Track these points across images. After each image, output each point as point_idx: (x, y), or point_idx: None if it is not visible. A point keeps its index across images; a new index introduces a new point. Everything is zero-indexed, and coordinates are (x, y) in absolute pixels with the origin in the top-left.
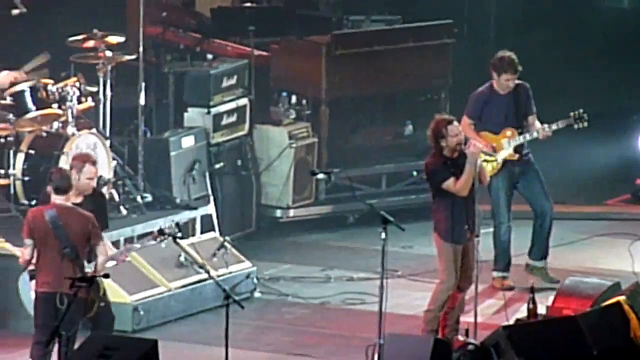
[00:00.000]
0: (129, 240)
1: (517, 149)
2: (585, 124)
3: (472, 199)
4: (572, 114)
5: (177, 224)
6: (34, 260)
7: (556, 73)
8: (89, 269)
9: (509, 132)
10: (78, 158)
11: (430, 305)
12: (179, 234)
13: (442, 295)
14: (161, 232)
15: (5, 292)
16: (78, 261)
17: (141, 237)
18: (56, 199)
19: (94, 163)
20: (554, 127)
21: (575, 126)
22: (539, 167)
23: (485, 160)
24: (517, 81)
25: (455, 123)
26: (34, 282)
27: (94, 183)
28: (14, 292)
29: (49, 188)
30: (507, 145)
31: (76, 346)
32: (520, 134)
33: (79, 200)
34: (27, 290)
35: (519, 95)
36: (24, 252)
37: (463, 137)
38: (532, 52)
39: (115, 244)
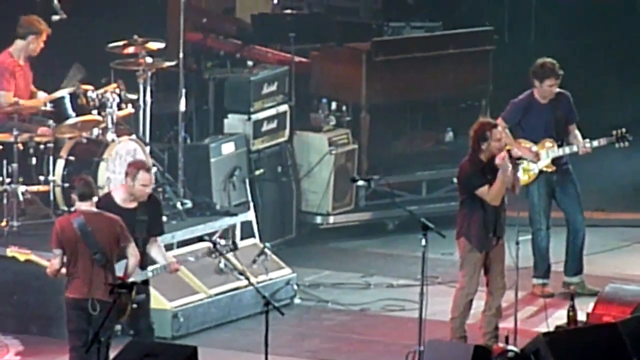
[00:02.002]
0: (168, 246)
1: (555, 160)
2: (627, 143)
3: (503, 207)
4: (614, 132)
5: (233, 242)
6: (63, 270)
7: (597, 80)
8: (119, 272)
9: (548, 143)
10: (133, 165)
11: (453, 313)
12: (233, 250)
13: (462, 301)
14: (214, 245)
15: (45, 299)
16: (109, 266)
17: (182, 243)
18: (81, 205)
19: (148, 170)
20: (595, 144)
21: (617, 145)
22: (577, 178)
23: (523, 169)
24: (558, 89)
25: (500, 128)
26: None
27: (149, 189)
28: (54, 299)
29: (73, 196)
30: (545, 155)
31: (113, 352)
32: (559, 145)
33: (133, 205)
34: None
35: (559, 105)
36: (52, 262)
37: (504, 143)
38: (573, 58)
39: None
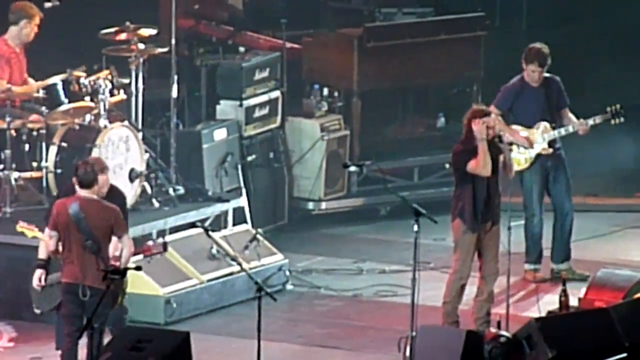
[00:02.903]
0: (160, 233)
1: (551, 143)
2: (622, 119)
3: (495, 188)
4: (609, 109)
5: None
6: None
7: (589, 65)
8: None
9: (543, 126)
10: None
11: (445, 297)
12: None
13: (455, 285)
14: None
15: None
16: (100, 254)
17: (174, 230)
18: (81, 192)
19: (103, 171)
20: (591, 122)
21: (612, 121)
22: (569, 163)
23: (519, 153)
24: (547, 74)
25: (493, 115)
26: (38, 271)
27: (104, 190)
28: None
29: (74, 180)
30: (541, 139)
31: (106, 338)
32: (553, 128)
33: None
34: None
35: (550, 89)
36: (47, 244)
37: (498, 131)
38: (565, 44)
39: (148, 236)
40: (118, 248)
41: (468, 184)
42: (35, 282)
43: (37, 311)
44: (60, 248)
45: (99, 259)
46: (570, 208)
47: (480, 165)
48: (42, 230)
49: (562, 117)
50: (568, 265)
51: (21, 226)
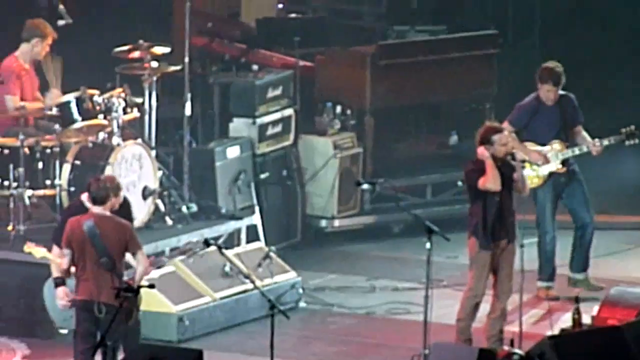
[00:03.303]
0: (174, 250)
1: (564, 161)
2: (637, 140)
3: (509, 207)
4: (623, 130)
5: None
6: (72, 270)
7: (603, 78)
8: (127, 276)
9: (557, 145)
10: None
11: (459, 314)
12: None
13: (469, 302)
14: (207, 242)
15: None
16: (116, 271)
17: (188, 246)
18: (94, 208)
19: (116, 195)
20: (606, 142)
21: (627, 142)
22: (583, 178)
23: (533, 170)
24: (562, 92)
25: (506, 133)
26: (60, 289)
27: (116, 207)
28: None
29: (86, 196)
30: (555, 158)
31: (120, 356)
32: (567, 147)
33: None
34: (51, 298)
35: (565, 107)
36: (62, 262)
37: (511, 148)
38: (578, 59)
39: (161, 254)
40: (143, 262)
41: (480, 201)
42: (61, 302)
43: (64, 331)
44: (74, 266)
45: (114, 275)
46: (590, 220)
47: (489, 179)
48: (49, 249)
49: (575, 134)
50: (585, 275)
51: (29, 246)
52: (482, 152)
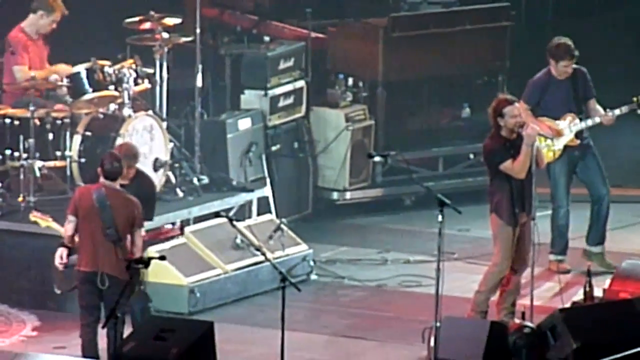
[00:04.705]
0: (185, 222)
1: (578, 134)
2: None
3: (530, 181)
4: (635, 99)
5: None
6: (76, 238)
7: (614, 56)
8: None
9: (569, 118)
10: (121, 151)
11: (481, 287)
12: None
13: (494, 277)
14: (231, 222)
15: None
16: (120, 243)
17: (199, 219)
18: (105, 181)
19: (130, 166)
20: (617, 112)
21: (639, 111)
22: (598, 151)
23: (547, 145)
24: (574, 66)
25: (517, 104)
26: (60, 249)
27: (130, 175)
28: (71, 275)
29: (99, 170)
30: (568, 131)
31: (128, 329)
32: (580, 119)
33: (123, 182)
34: None
35: (577, 81)
36: (66, 228)
37: (522, 120)
38: (590, 34)
39: (172, 226)
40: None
41: (502, 179)
42: (57, 261)
43: (58, 291)
44: (77, 236)
45: (118, 248)
46: (606, 192)
47: (520, 169)
48: (56, 220)
49: (588, 108)
50: (602, 249)
51: (34, 215)
52: (530, 134)
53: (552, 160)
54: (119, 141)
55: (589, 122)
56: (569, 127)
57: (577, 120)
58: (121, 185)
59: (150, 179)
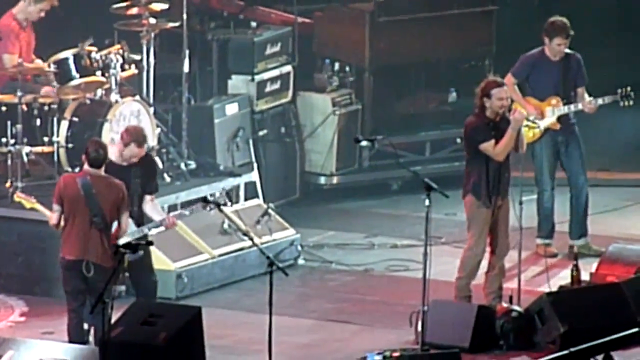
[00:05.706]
0: (172, 207)
1: (560, 118)
2: (631, 102)
3: (506, 164)
4: (619, 90)
5: (227, 193)
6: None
7: (602, 41)
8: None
9: (554, 101)
10: (128, 133)
11: (460, 273)
12: (228, 203)
13: (470, 261)
14: (206, 200)
15: (50, 260)
16: (106, 231)
17: (186, 204)
18: (89, 169)
19: (140, 144)
20: (600, 101)
21: (621, 103)
22: (582, 138)
23: (527, 126)
24: (569, 51)
25: (505, 88)
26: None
27: (135, 159)
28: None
29: (84, 157)
30: (550, 113)
31: (118, 313)
32: (565, 104)
33: (127, 163)
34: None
35: (569, 65)
36: (52, 216)
37: (508, 104)
38: (576, 18)
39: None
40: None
41: (481, 159)
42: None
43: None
44: (63, 223)
45: (104, 236)
46: (585, 182)
47: (501, 152)
48: (42, 203)
49: (577, 94)
50: (585, 241)
51: (18, 196)
52: (517, 118)
53: (531, 140)
54: (106, 126)
55: (572, 108)
56: (552, 110)
57: (561, 104)
58: (132, 165)
59: (152, 156)
